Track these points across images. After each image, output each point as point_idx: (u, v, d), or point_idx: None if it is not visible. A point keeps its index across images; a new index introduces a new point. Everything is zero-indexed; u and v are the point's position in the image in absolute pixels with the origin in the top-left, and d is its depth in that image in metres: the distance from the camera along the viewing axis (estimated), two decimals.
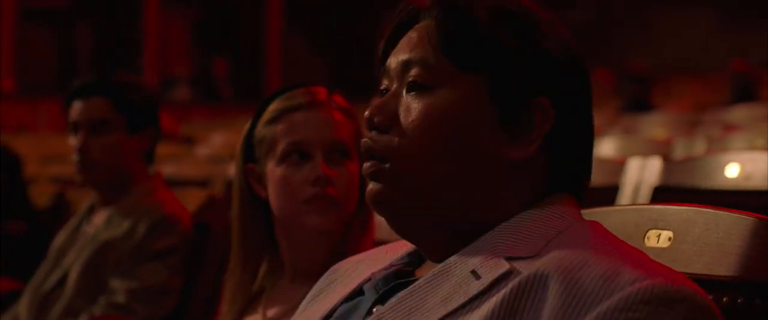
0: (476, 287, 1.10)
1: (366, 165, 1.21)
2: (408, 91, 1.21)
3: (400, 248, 1.32)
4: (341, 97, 1.95)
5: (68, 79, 3.01)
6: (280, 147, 1.87)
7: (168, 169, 4.74)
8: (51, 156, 6.87)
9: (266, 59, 17.23)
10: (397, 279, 1.22)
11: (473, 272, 1.12)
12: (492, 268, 1.11)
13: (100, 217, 2.70)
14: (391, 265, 1.27)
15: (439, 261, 1.19)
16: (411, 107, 1.20)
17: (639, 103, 8.14)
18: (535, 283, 1.06)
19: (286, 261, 1.93)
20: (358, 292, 1.26)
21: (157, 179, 2.73)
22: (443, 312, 1.10)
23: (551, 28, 1.21)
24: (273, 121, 1.90)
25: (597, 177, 2.88)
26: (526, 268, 1.09)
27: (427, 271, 1.19)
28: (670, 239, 1.31)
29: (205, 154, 7.31)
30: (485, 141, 1.18)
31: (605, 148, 4.29)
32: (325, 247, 1.88)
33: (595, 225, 1.18)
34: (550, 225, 1.15)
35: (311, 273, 1.82)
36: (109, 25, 16.74)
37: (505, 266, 1.10)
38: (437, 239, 1.21)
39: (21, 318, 2.65)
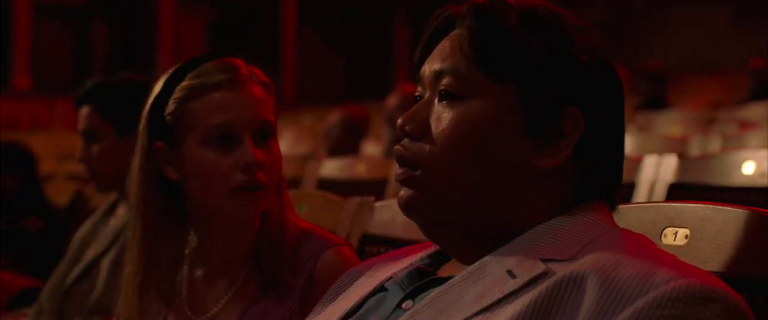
0: (512, 285, 1.11)
1: (398, 171, 1.24)
2: (440, 100, 1.23)
3: (417, 251, 1.34)
4: (259, 69, 1.80)
5: (83, 77, 3.01)
6: (202, 129, 1.71)
7: None
8: (67, 153, 6.90)
9: (281, 58, 17.24)
10: (421, 277, 1.23)
11: (509, 271, 1.13)
12: (528, 268, 1.12)
13: (121, 210, 2.72)
14: (411, 265, 1.28)
15: (469, 263, 1.20)
16: (442, 116, 1.21)
17: (656, 101, 8.11)
18: (571, 282, 1.07)
19: (205, 250, 1.79)
20: (379, 290, 1.28)
21: None
22: (478, 307, 1.11)
23: (582, 35, 1.22)
24: (189, 99, 1.72)
25: None
26: (561, 270, 1.10)
27: (449, 271, 1.22)
28: (687, 237, 1.31)
29: None
30: (514, 150, 1.20)
31: None
32: (247, 236, 1.76)
33: (629, 231, 1.19)
34: (585, 230, 1.17)
35: (235, 264, 1.76)
36: (124, 23, 16.79)
37: (541, 267, 1.12)
38: (467, 244, 1.22)
39: (44, 311, 2.67)
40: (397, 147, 1.25)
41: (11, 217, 3.60)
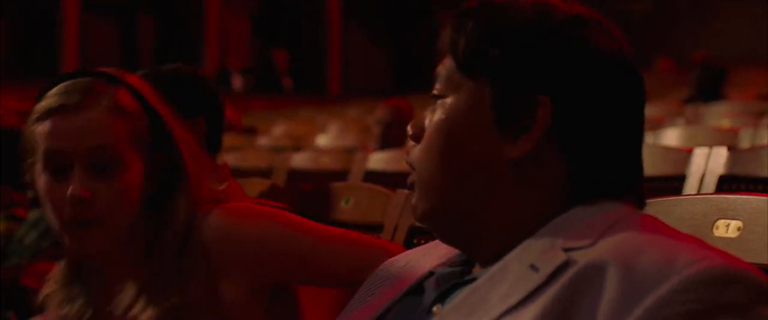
0: (535, 281, 1.10)
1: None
2: (434, 103, 1.26)
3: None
4: (139, 81, 1.73)
5: (131, 70, 3.00)
6: (41, 155, 1.64)
7: (231, 159, 4.78)
8: None
9: (326, 51, 17.29)
10: (456, 279, 1.23)
11: (532, 266, 1.12)
12: (550, 260, 1.11)
13: None
14: (451, 263, 1.28)
15: (487, 263, 1.20)
16: (430, 118, 1.25)
17: (711, 93, 8.02)
18: (592, 271, 1.06)
19: (96, 266, 1.74)
20: (416, 289, 1.27)
21: (224, 169, 2.74)
22: (503, 307, 1.10)
23: (552, 21, 1.21)
24: (35, 121, 1.64)
25: (663, 167, 2.86)
26: (583, 258, 1.09)
27: (483, 269, 1.21)
28: (739, 229, 1.30)
29: (267, 145, 7.36)
30: (483, 142, 1.20)
31: (670, 137, 4.25)
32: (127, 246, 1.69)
33: (649, 216, 1.17)
34: (604, 217, 1.15)
35: (129, 270, 1.69)
36: (171, 18, 16.91)
37: (562, 257, 1.11)
38: (477, 243, 1.22)
39: None
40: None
41: None
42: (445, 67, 1.24)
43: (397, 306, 1.27)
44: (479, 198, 1.20)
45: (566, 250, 1.12)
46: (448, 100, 1.23)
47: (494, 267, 1.16)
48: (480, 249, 1.22)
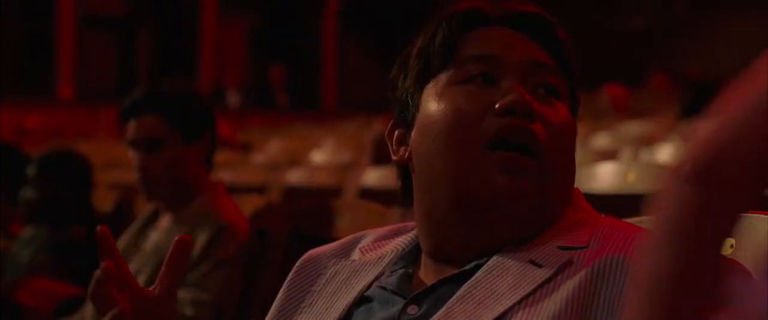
0: (542, 274, 1.15)
1: (519, 156, 1.21)
2: (544, 92, 1.25)
3: (375, 249, 1.36)
4: None
5: (127, 86, 3.00)
6: None
7: (226, 176, 4.78)
8: (110, 162, 6.94)
9: (322, 66, 17.29)
10: (409, 281, 1.26)
11: (532, 261, 1.17)
12: (551, 257, 1.17)
13: (164, 222, 2.73)
14: (392, 272, 1.29)
15: (463, 263, 1.23)
16: (557, 109, 1.25)
17: (696, 110, 8.02)
18: (609, 266, 1.13)
19: None
20: (361, 300, 1.28)
21: (219, 187, 2.75)
22: (517, 296, 1.14)
23: None
24: None
25: (656, 184, 2.85)
26: (585, 256, 1.16)
27: (429, 273, 1.25)
28: (731, 246, 1.30)
29: (262, 161, 7.35)
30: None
31: (663, 154, 4.25)
32: None
33: (611, 217, 1.27)
34: (584, 219, 1.24)
35: None
36: (167, 33, 16.91)
37: (563, 255, 1.17)
38: (498, 240, 1.23)
39: None
40: (523, 125, 1.21)
41: (59, 225, 3.63)
42: (556, 67, 1.27)
43: (353, 317, 1.27)
44: (561, 201, 1.25)
45: (563, 249, 1.18)
46: (565, 105, 1.27)
47: (490, 263, 1.20)
48: (486, 247, 1.23)
